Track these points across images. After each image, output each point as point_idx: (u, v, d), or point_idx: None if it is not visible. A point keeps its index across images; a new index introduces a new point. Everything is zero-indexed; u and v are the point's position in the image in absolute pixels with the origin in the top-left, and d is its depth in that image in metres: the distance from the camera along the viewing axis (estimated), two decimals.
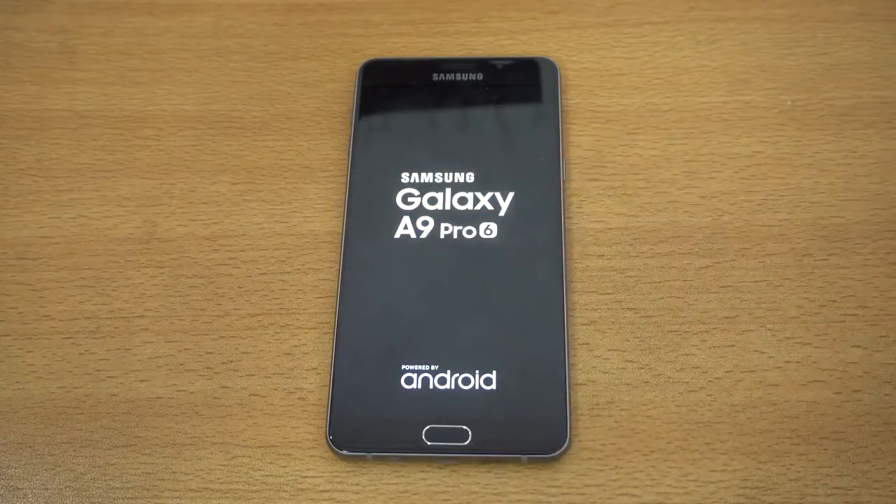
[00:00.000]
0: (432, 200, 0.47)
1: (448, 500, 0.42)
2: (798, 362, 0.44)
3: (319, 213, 0.48)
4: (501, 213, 0.46)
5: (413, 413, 0.42)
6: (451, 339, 0.43)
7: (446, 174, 0.48)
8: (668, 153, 0.49)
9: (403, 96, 0.50)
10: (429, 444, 0.41)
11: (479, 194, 0.47)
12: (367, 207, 0.47)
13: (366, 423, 0.42)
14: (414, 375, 0.43)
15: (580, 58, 0.52)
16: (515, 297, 0.44)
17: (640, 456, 0.42)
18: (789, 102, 0.50)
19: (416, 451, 0.41)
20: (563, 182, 0.47)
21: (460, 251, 0.45)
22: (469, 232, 0.46)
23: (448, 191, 0.47)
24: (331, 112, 0.51)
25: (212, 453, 0.43)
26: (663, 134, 0.49)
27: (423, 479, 0.42)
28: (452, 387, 0.42)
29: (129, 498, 0.42)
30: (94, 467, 0.43)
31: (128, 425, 0.43)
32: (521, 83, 0.50)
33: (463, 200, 0.47)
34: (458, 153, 0.48)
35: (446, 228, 0.46)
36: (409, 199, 0.47)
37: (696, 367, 0.44)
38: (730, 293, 0.45)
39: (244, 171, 0.49)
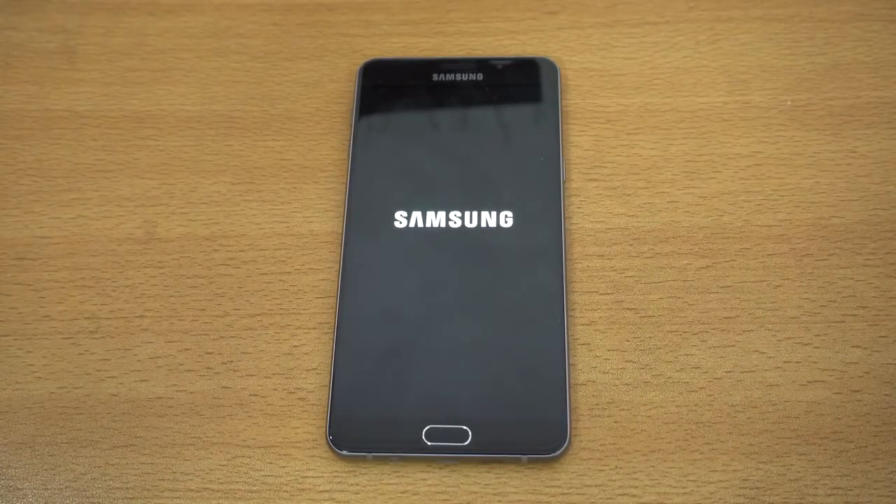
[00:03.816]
0: (432, 201, 0.47)
1: (448, 500, 0.42)
2: (798, 362, 0.44)
3: (319, 213, 0.48)
4: (501, 214, 0.46)
5: (413, 413, 0.42)
6: (451, 339, 0.43)
7: (446, 174, 0.47)
8: (668, 153, 0.49)
9: (403, 96, 0.50)
10: (429, 444, 0.41)
11: (478, 195, 0.47)
12: (367, 207, 0.47)
13: (366, 423, 0.42)
14: (414, 375, 0.43)
15: (580, 58, 0.52)
16: (515, 297, 0.44)
17: (640, 456, 0.42)
18: (789, 102, 0.50)
19: (416, 451, 0.41)
20: (563, 182, 0.47)
21: (460, 252, 0.45)
22: (469, 233, 0.46)
23: (447, 191, 0.47)
24: (331, 112, 0.51)
25: (212, 453, 0.43)
26: (663, 134, 0.49)
27: (423, 479, 0.42)
28: (452, 387, 0.42)
29: (129, 498, 0.42)
30: (94, 467, 0.43)
31: (128, 425, 0.43)
32: (521, 83, 0.50)
33: (462, 201, 0.47)
34: (457, 153, 0.48)
35: (446, 229, 0.46)
36: (409, 200, 0.47)
37: (696, 367, 0.44)
38: (730, 293, 0.45)
39: (244, 171, 0.49)
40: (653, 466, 0.42)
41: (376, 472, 0.42)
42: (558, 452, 0.41)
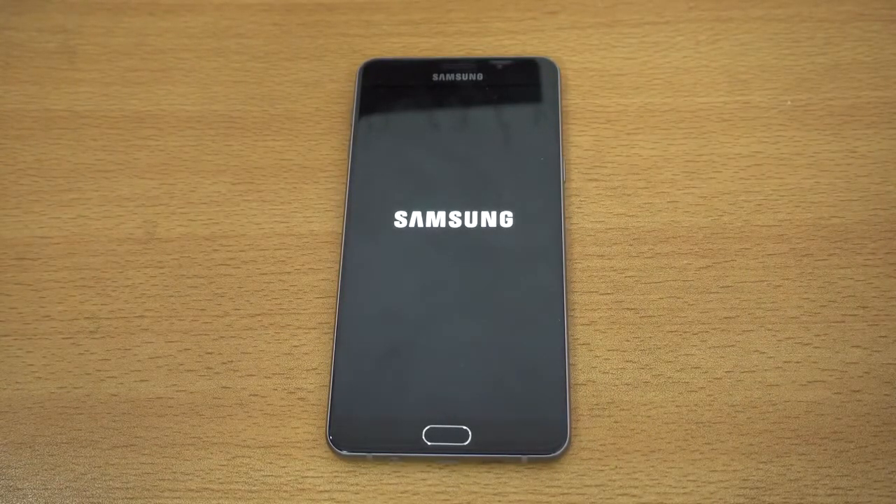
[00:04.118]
0: (432, 201, 0.47)
1: (448, 500, 0.42)
2: (798, 362, 0.44)
3: (319, 213, 0.48)
4: (501, 214, 0.46)
5: (413, 413, 0.42)
6: (451, 339, 0.43)
7: (446, 174, 0.47)
8: (668, 153, 0.49)
9: (403, 96, 0.50)
10: (429, 444, 0.41)
11: (478, 195, 0.47)
12: (367, 207, 0.47)
13: (366, 423, 0.42)
14: (414, 375, 0.43)
15: (580, 58, 0.52)
16: (516, 297, 0.44)
17: (640, 456, 0.42)
18: (789, 102, 0.50)
19: (416, 451, 0.41)
20: (563, 182, 0.47)
21: (460, 252, 0.45)
22: (469, 233, 0.46)
23: (447, 191, 0.47)
24: (331, 112, 0.51)
25: (212, 453, 0.43)
26: (663, 134, 0.49)
27: (423, 479, 0.42)
28: (452, 387, 0.42)
29: (129, 498, 0.42)
30: (94, 467, 0.43)
31: (128, 425, 0.43)
32: (521, 83, 0.50)
33: (462, 201, 0.47)
34: (457, 153, 0.48)
35: (446, 229, 0.46)
36: (409, 200, 0.47)
37: (696, 367, 0.44)
38: (730, 293, 0.45)
39: (244, 171, 0.49)
40: (653, 466, 0.42)
41: (376, 472, 0.42)
42: (558, 452, 0.41)
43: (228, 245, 0.47)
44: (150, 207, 0.48)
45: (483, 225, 0.46)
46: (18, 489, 0.42)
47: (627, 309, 0.45)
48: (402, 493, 0.42)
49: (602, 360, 0.44)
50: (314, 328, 0.45)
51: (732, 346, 0.44)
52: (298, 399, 0.44)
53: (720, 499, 0.41)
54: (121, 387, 0.44)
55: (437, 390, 0.42)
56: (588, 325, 0.45)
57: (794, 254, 0.46)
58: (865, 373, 0.43)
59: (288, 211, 0.48)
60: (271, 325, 0.45)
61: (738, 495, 0.41)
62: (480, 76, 0.50)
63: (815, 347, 0.44)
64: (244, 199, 0.49)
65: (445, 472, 0.42)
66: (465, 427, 0.42)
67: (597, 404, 0.43)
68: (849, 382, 0.43)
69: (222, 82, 0.52)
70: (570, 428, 0.42)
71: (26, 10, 0.54)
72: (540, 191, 0.47)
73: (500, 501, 0.41)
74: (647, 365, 0.44)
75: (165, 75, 0.52)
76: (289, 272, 0.47)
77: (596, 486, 0.42)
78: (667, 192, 0.48)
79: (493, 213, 0.46)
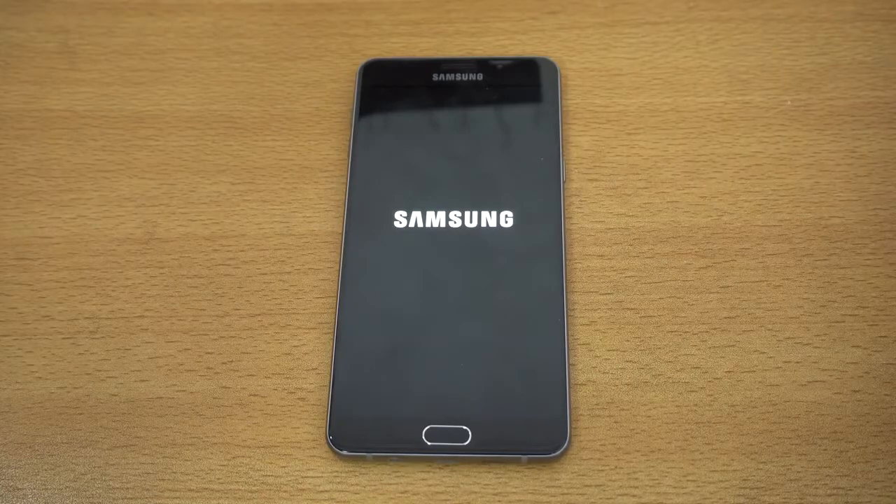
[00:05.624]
0: (432, 201, 0.47)
1: (448, 500, 0.42)
2: (798, 362, 0.44)
3: (319, 213, 0.48)
4: (501, 214, 0.46)
5: (413, 413, 0.42)
6: (451, 339, 0.43)
7: (446, 174, 0.47)
8: (668, 153, 0.49)
9: (403, 96, 0.50)
10: (429, 444, 0.41)
11: (478, 195, 0.47)
12: (367, 207, 0.47)
13: (366, 423, 0.42)
14: (414, 375, 0.43)
15: (580, 58, 0.52)
16: (516, 297, 0.44)
17: (640, 456, 0.42)
18: (789, 102, 0.50)
19: (416, 451, 0.41)
20: (563, 182, 0.47)
21: (460, 252, 0.45)
22: (469, 233, 0.46)
23: (447, 191, 0.47)
24: (331, 112, 0.51)
25: (212, 453, 0.43)
26: (663, 134, 0.49)
27: (423, 479, 0.42)
28: (452, 387, 0.42)
29: (129, 498, 0.42)
30: (94, 467, 0.43)
31: (128, 425, 0.43)
32: (521, 83, 0.50)
33: (462, 201, 0.47)
34: (457, 154, 0.48)
35: (446, 229, 0.46)
36: (409, 200, 0.47)
37: (696, 367, 0.44)
38: (730, 293, 0.45)
39: (244, 171, 0.49)
40: (653, 466, 0.42)
41: (376, 472, 0.42)
42: (558, 452, 0.41)
43: (228, 245, 0.47)
44: (150, 207, 0.48)
45: (483, 225, 0.46)
46: (18, 489, 0.42)
47: (627, 309, 0.45)
48: (402, 493, 0.42)
49: (602, 360, 0.44)
50: (314, 328, 0.45)
51: (732, 346, 0.44)
52: (298, 399, 0.44)
53: (720, 499, 0.41)
54: (121, 387, 0.44)
55: (437, 390, 0.42)
56: (588, 325, 0.45)
57: (794, 254, 0.46)
58: (865, 373, 0.43)
59: (288, 211, 0.48)
60: (271, 325, 0.45)
61: (738, 495, 0.41)
62: (480, 76, 0.50)
63: (815, 347, 0.44)
64: (244, 199, 0.49)
65: (445, 472, 0.42)
66: (465, 427, 0.42)
67: (597, 404, 0.43)
68: (849, 382, 0.43)
69: (222, 82, 0.52)
70: (570, 428, 0.42)
71: (26, 10, 0.54)
72: (540, 191, 0.47)
73: (500, 501, 0.41)
74: (647, 365, 0.44)
75: (165, 75, 0.52)
76: (289, 272, 0.47)
77: (596, 486, 0.42)
78: (667, 192, 0.48)
79: (493, 213, 0.46)
